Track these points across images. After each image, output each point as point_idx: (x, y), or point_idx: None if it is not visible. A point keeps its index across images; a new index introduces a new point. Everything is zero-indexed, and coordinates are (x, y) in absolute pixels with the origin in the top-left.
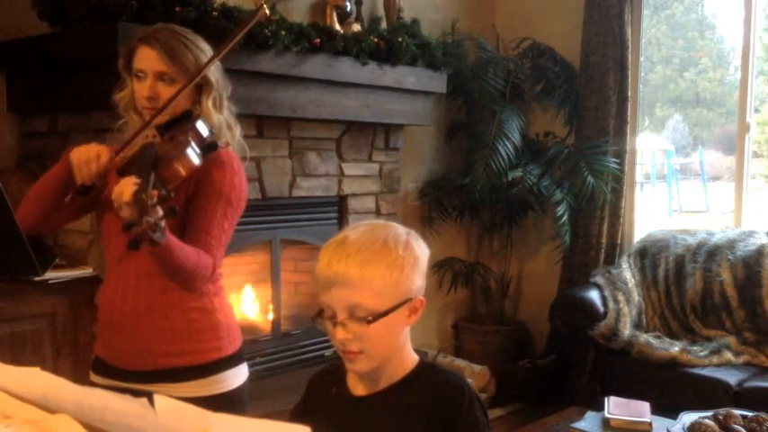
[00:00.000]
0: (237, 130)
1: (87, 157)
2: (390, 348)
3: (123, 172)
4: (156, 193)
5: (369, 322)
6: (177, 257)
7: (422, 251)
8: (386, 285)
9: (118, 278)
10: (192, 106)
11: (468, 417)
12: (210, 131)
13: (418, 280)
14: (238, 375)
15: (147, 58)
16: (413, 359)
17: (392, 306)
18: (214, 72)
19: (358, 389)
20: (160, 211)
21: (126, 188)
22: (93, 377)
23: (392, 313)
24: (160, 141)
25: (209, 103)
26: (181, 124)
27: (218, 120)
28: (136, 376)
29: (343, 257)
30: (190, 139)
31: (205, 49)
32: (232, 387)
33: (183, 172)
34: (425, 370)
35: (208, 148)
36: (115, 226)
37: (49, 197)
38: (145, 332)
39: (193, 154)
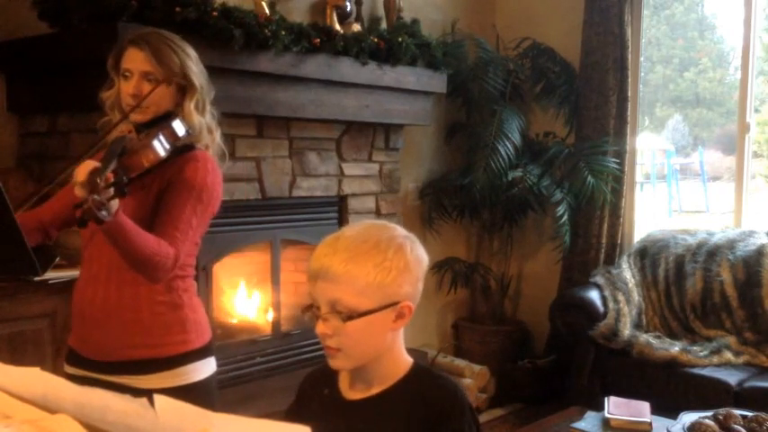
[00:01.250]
0: (217, 134)
1: None
2: (372, 350)
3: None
4: (111, 176)
5: (344, 320)
6: (132, 241)
7: (416, 257)
8: (368, 285)
9: (90, 270)
10: (176, 108)
11: (455, 425)
12: (188, 132)
13: (407, 285)
14: (204, 368)
15: (135, 59)
16: (406, 363)
17: (373, 307)
18: (198, 77)
19: (350, 392)
20: (111, 192)
21: (82, 169)
22: (67, 368)
23: (372, 315)
24: (134, 136)
25: (192, 106)
26: (160, 122)
27: (198, 122)
28: (105, 367)
29: (331, 253)
30: (159, 133)
31: (191, 55)
32: (197, 379)
33: (144, 161)
34: (419, 374)
35: (183, 147)
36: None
37: None
38: (114, 324)
39: (159, 146)
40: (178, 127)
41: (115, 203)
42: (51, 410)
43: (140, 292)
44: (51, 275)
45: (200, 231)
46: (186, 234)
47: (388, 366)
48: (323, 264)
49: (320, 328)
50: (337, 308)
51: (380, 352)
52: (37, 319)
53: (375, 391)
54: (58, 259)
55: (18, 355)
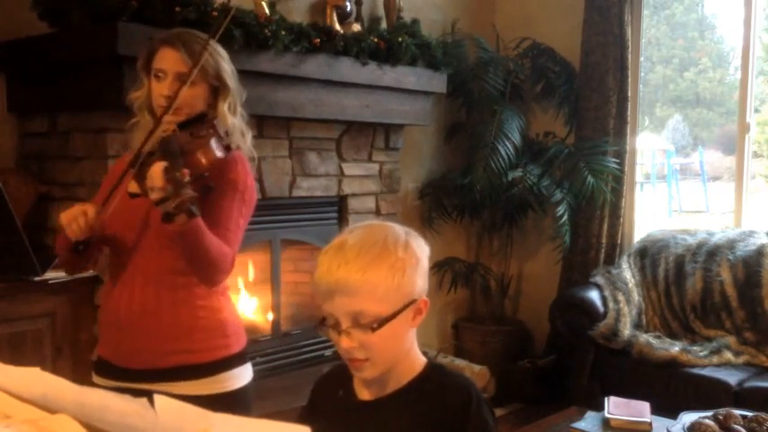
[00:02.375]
0: (249, 136)
1: (73, 216)
2: (397, 353)
3: (144, 164)
4: (186, 172)
5: (374, 329)
6: (206, 241)
7: (422, 251)
8: (388, 289)
9: (124, 277)
10: (208, 109)
11: (478, 420)
12: (225, 133)
13: (420, 280)
14: (244, 374)
15: (169, 59)
16: (420, 361)
17: (397, 310)
18: (231, 78)
19: (365, 392)
20: (194, 188)
21: (157, 170)
22: (97, 379)
23: (397, 317)
24: (180, 135)
25: (225, 107)
26: (199, 123)
27: (232, 123)
28: (142, 375)
29: (343, 263)
30: (212, 133)
31: (224, 56)
32: (238, 386)
33: (204, 161)
34: (433, 372)
35: (224, 148)
36: (120, 222)
37: (64, 256)
38: (153, 330)
39: (216, 147)
40: (220, 128)
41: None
42: (51, 410)
43: (179, 297)
44: (51, 275)
45: (243, 231)
46: (236, 235)
47: (403, 367)
48: (338, 278)
49: (345, 342)
50: (361, 320)
51: (403, 352)
52: (37, 319)
53: (389, 390)
54: (57, 260)
55: (18, 355)
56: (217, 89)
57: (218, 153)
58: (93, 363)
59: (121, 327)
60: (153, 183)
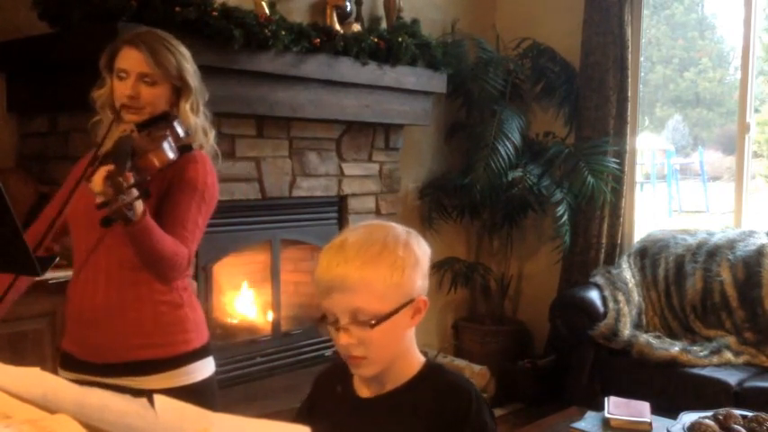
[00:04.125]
0: (212, 135)
1: None
2: (395, 351)
3: (101, 163)
4: (130, 176)
5: (372, 326)
6: (156, 242)
7: (422, 250)
8: (387, 287)
9: (88, 272)
10: (170, 108)
11: (477, 421)
12: (186, 133)
13: (419, 280)
14: (205, 368)
15: (132, 59)
16: (419, 360)
17: (395, 308)
18: (193, 77)
19: (363, 390)
20: (135, 192)
21: (100, 173)
22: (62, 373)
23: (395, 315)
24: (137, 136)
25: (187, 107)
26: (158, 123)
27: (194, 123)
28: (105, 369)
29: (342, 261)
30: (167, 134)
31: (186, 55)
32: (199, 379)
33: (156, 163)
34: (432, 372)
35: (183, 148)
36: (85, 219)
37: None
38: (116, 325)
39: (169, 148)
40: (179, 128)
41: (140, 204)
42: (51, 410)
43: (142, 293)
44: (51, 275)
45: (203, 230)
46: (194, 234)
47: (401, 365)
48: (336, 275)
49: (344, 339)
50: (359, 317)
51: (402, 351)
52: (37, 319)
53: (388, 389)
54: (57, 259)
55: (18, 355)
56: (179, 89)
57: (171, 155)
58: (59, 356)
59: (85, 321)
60: (94, 187)
